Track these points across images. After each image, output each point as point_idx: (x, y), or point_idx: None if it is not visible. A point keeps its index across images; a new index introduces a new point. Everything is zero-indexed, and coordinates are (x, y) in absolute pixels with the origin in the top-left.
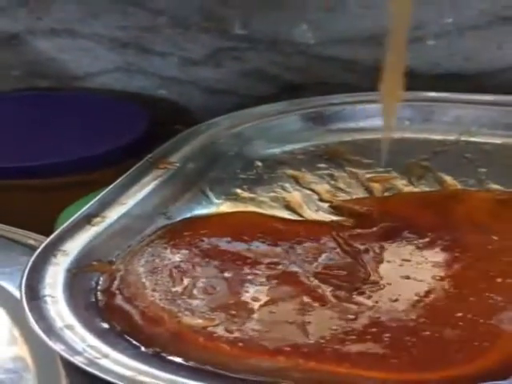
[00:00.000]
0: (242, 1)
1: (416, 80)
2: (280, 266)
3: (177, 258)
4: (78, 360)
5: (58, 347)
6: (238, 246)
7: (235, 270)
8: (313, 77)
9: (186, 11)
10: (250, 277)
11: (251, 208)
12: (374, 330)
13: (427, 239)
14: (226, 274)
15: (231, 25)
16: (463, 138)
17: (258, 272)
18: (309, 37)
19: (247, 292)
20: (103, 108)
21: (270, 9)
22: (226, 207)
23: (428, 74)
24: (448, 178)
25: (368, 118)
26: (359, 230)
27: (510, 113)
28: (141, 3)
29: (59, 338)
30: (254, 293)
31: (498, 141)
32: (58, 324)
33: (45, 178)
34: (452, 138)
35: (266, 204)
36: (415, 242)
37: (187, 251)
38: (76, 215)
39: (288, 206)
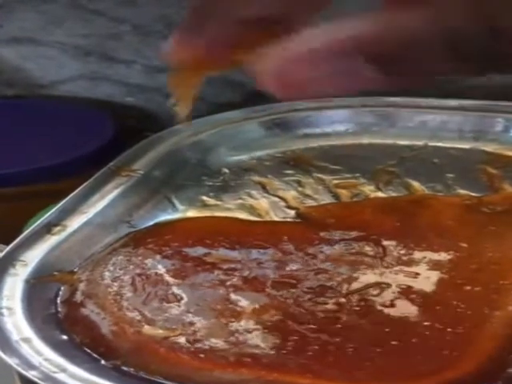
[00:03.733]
0: None
1: None
2: (243, 273)
3: (140, 265)
4: (32, 375)
5: (12, 361)
6: (201, 252)
7: (198, 278)
8: None
9: (147, 19)
10: (212, 284)
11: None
12: (336, 340)
13: (392, 246)
14: (189, 282)
15: None
16: (431, 144)
17: (220, 279)
18: None
19: (209, 300)
20: (70, 116)
21: None
22: (192, 214)
23: None
24: (416, 184)
25: (333, 124)
26: (323, 236)
27: (475, 118)
28: (101, 11)
29: (15, 351)
30: (216, 301)
31: (465, 146)
32: (14, 337)
33: (11, 186)
34: (419, 143)
35: (232, 211)
36: (380, 248)
37: (150, 259)
38: (35, 224)
39: (255, 213)
